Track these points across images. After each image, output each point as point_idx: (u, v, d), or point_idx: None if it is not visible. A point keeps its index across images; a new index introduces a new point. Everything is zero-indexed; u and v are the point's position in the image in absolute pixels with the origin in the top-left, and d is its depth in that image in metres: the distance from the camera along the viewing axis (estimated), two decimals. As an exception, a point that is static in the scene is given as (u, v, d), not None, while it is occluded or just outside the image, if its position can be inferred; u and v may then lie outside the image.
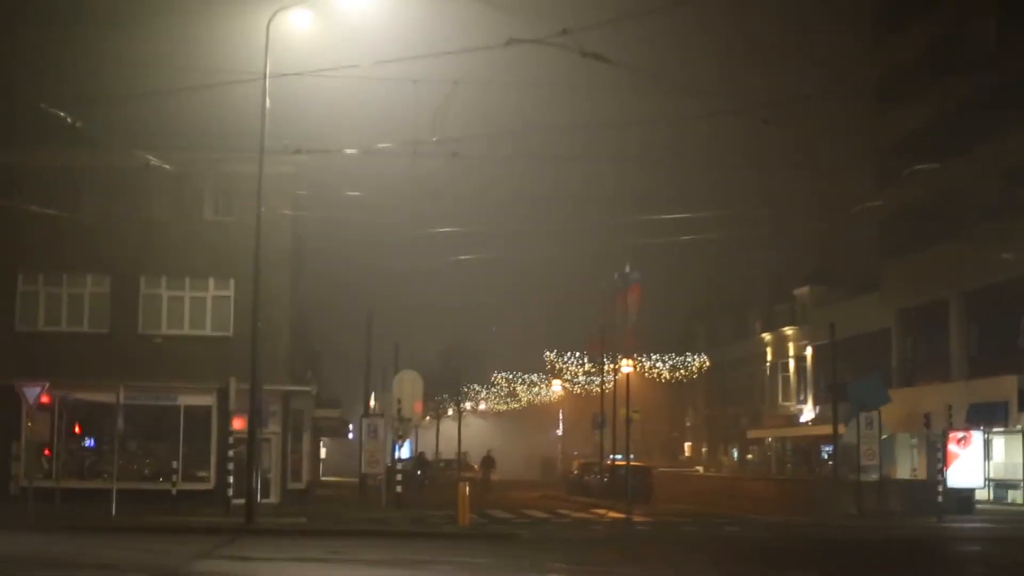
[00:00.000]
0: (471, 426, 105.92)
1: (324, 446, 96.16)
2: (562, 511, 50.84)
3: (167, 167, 37.90)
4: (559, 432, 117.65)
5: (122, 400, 43.37)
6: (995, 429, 55.35)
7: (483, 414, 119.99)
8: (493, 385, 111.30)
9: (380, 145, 30.94)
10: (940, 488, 47.76)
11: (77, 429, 46.98)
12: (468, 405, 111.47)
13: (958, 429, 50.80)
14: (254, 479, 36.45)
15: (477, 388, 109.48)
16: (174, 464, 44.51)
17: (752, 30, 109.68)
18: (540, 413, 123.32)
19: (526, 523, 41.59)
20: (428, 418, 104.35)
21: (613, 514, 47.77)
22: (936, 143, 57.43)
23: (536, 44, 21.84)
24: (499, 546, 30.58)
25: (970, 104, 56.34)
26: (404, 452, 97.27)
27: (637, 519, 44.56)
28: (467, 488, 38.08)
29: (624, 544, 33.77)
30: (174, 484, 42.96)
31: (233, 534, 32.23)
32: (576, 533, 37.96)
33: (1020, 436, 54.35)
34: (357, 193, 40.33)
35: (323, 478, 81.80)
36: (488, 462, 71.70)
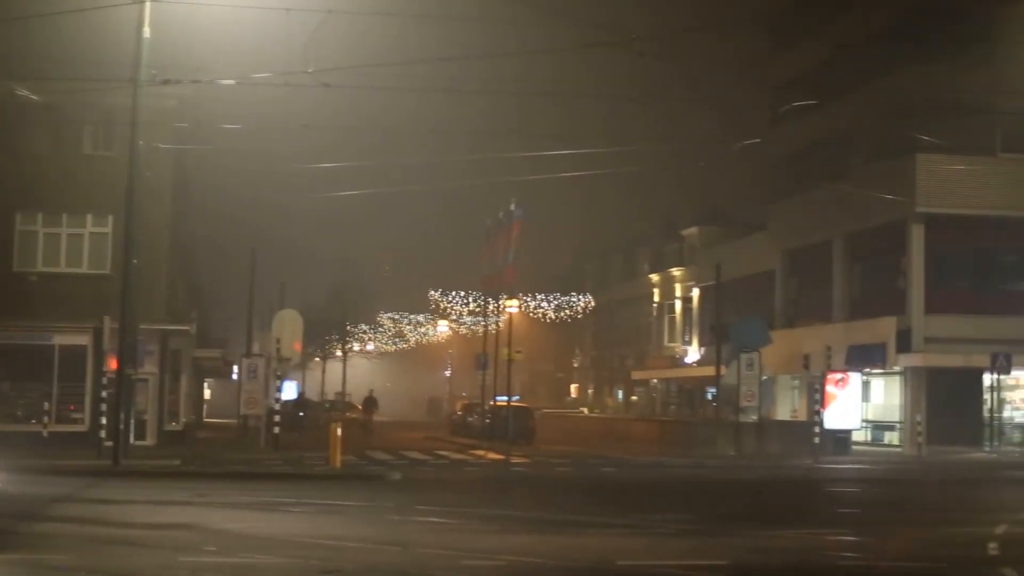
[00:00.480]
0: (358, 367, 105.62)
1: (208, 387, 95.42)
2: (442, 452, 50.68)
3: (36, 98, 36.75)
4: (448, 373, 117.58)
5: (-13, 338, 42.54)
6: (874, 371, 55.88)
7: (370, 355, 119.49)
8: (380, 326, 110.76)
9: (255, 75, 30.17)
10: (817, 429, 48.25)
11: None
12: (356, 346, 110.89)
13: (836, 370, 51.33)
14: (122, 420, 35.64)
15: (364, 328, 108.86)
16: (45, 405, 43.66)
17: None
18: (429, 354, 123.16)
19: (402, 464, 41.34)
20: (317, 359, 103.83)
21: (492, 455, 47.70)
22: (824, 82, 57.53)
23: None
24: (369, 488, 30.30)
25: (858, 43, 56.50)
26: (289, 393, 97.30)
27: (515, 460, 44.51)
28: (339, 429, 37.69)
29: (494, 486, 33.62)
30: (45, 426, 42.14)
31: (99, 476, 31.61)
32: (451, 474, 37.79)
33: (898, 378, 54.86)
34: (237, 126, 39.54)
35: (207, 420, 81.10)
36: (370, 403, 68.66)
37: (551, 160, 47.32)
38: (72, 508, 23.97)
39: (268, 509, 24.22)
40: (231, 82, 31.63)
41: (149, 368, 46.25)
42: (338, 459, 36.55)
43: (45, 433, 41.88)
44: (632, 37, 24.44)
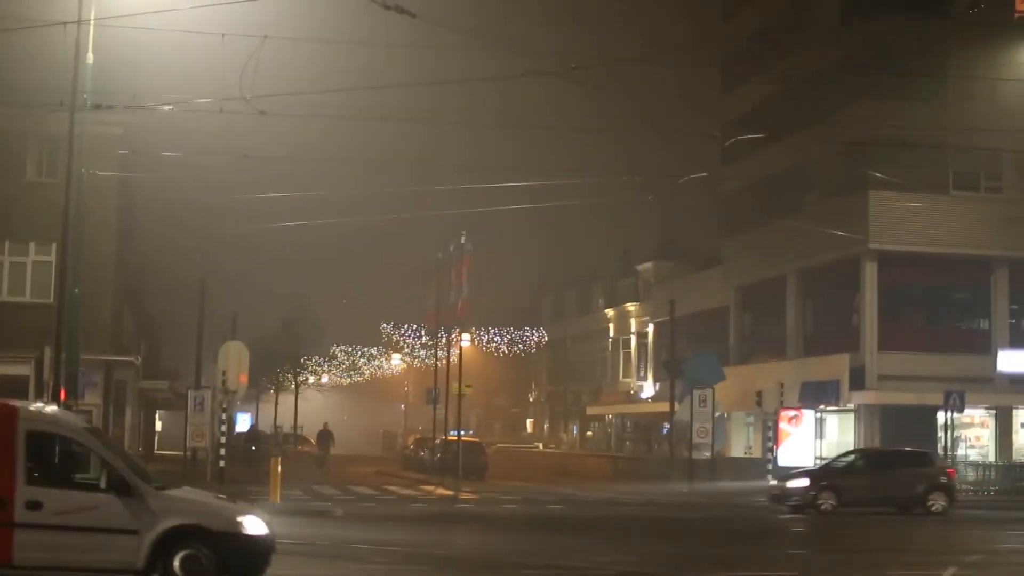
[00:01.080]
0: (312, 400, 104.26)
1: (160, 419, 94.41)
2: (391, 488, 50.01)
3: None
4: (403, 407, 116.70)
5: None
6: (828, 408, 55.53)
7: (323, 388, 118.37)
8: (333, 359, 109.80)
9: (195, 100, 29.53)
10: (770, 466, 47.85)
11: None
12: (311, 379, 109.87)
13: (790, 407, 50.98)
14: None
15: (318, 360, 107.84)
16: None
17: None
18: (383, 387, 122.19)
19: (349, 500, 40.69)
20: (271, 391, 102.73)
21: (442, 491, 47.08)
22: (777, 117, 57.34)
23: None
24: (307, 525, 29.55)
25: (811, 79, 56.32)
26: (243, 425, 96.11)
27: (464, 496, 43.90)
28: (279, 464, 37.01)
29: (437, 523, 32.89)
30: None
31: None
32: (395, 510, 37.05)
33: (852, 415, 54.50)
34: (177, 154, 38.89)
35: (159, 451, 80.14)
36: (325, 436, 66.34)
37: (502, 192, 46.81)
38: None
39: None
40: (169, 107, 30.93)
41: (92, 399, 45.47)
42: (278, 495, 35.83)
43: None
44: (572, 67, 23.96)
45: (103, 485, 17.51)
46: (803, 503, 38.37)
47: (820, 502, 38.23)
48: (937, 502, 38.90)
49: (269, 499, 35.75)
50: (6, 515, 16.91)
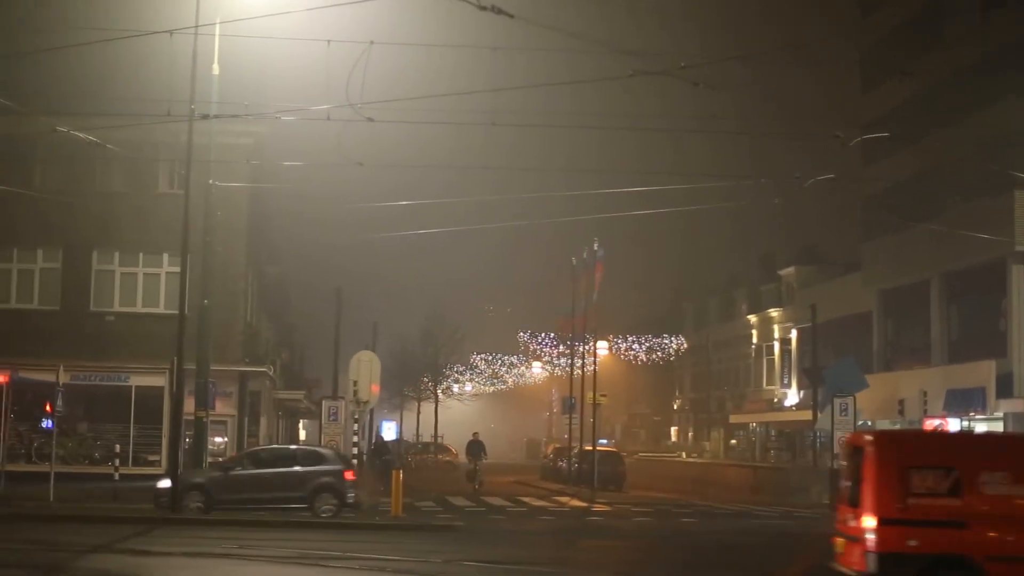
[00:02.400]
0: (454, 409, 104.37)
1: (303, 428, 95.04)
2: (525, 499, 49.44)
3: (83, 136, 35.79)
4: (548, 415, 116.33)
5: (65, 380, 42.20)
6: (975, 416, 53.83)
7: (465, 396, 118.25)
8: (474, 367, 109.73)
9: (314, 108, 29.13)
10: (914, 477, 46.33)
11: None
12: (455, 387, 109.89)
13: (934, 416, 49.46)
14: (178, 462, 34.96)
15: (460, 369, 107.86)
16: (117, 448, 43.08)
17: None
18: (527, 395, 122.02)
19: (478, 511, 40.20)
20: (418, 400, 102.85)
21: (576, 502, 46.50)
22: (917, 118, 55.85)
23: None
24: (426, 539, 29.06)
25: (951, 78, 54.77)
26: (389, 434, 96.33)
27: (597, 508, 43.29)
28: (400, 475, 36.62)
29: (560, 538, 31.92)
30: (116, 469, 41.57)
31: (152, 524, 30.77)
32: (521, 524, 36.20)
33: (1002, 423, 52.75)
34: (298, 163, 38.74)
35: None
36: (476, 447, 56.81)
37: (632, 197, 46.04)
38: (107, 560, 23.05)
39: (306, 564, 23.01)
40: (290, 117, 30.74)
41: (227, 410, 45.76)
42: (399, 506, 35.38)
43: (116, 476, 41.30)
44: (681, 65, 23.15)
45: None
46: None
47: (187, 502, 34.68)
48: (325, 504, 35.51)
49: (392, 512, 35.33)
50: None
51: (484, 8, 19.62)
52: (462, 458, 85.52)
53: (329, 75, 24.75)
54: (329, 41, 24.24)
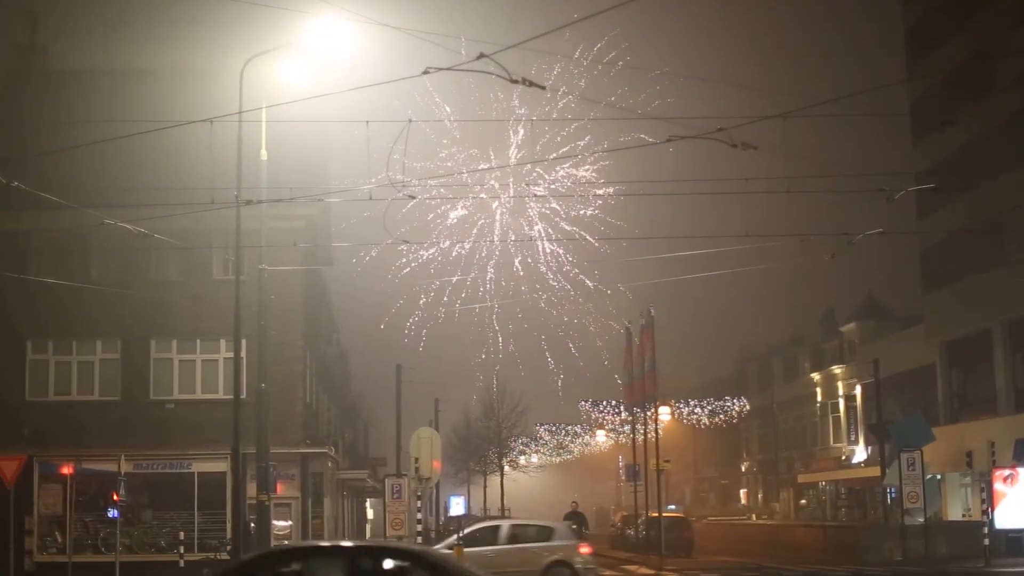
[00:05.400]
0: (520, 481, 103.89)
1: (371, 507, 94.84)
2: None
3: (131, 228, 36.01)
4: (618, 484, 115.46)
5: (127, 469, 42.59)
6: (1047, 465, 53.04)
7: (530, 468, 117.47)
8: (538, 439, 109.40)
9: (362, 187, 29.30)
10: (986, 530, 45.67)
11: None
12: (521, 459, 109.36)
13: (1003, 466, 48.72)
14: (240, 547, 34.90)
15: (525, 440, 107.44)
16: (181, 535, 43.13)
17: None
18: (594, 463, 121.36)
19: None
20: (484, 474, 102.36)
21: (644, 570, 46.00)
22: (971, 167, 55.49)
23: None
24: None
25: (1005, 125, 54.39)
26: (457, 509, 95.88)
27: (665, 574, 42.75)
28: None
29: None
30: (181, 556, 41.60)
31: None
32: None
33: (1073, 471, 51.88)
34: (345, 244, 38.80)
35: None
36: (576, 517, 50.23)
37: (681, 260, 45.96)
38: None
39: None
40: (336, 200, 30.85)
41: (290, 492, 45.72)
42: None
43: (182, 563, 41.30)
44: (718, 128, 23.00)
45: None
46: None
47: None
48: None
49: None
50: None
51: (515, 81, 19.72)
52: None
53: (370, 154, 24.87)
54: (368, 121, 24.35)
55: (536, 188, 43.09)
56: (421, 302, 57.13)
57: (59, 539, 44.56)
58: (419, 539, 44.74)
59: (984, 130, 55.82)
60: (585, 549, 34.97)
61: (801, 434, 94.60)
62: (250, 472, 38.30)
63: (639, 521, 59.61)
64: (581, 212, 53.60)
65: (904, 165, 64.12)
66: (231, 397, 43.45)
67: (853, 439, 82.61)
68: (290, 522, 46.20)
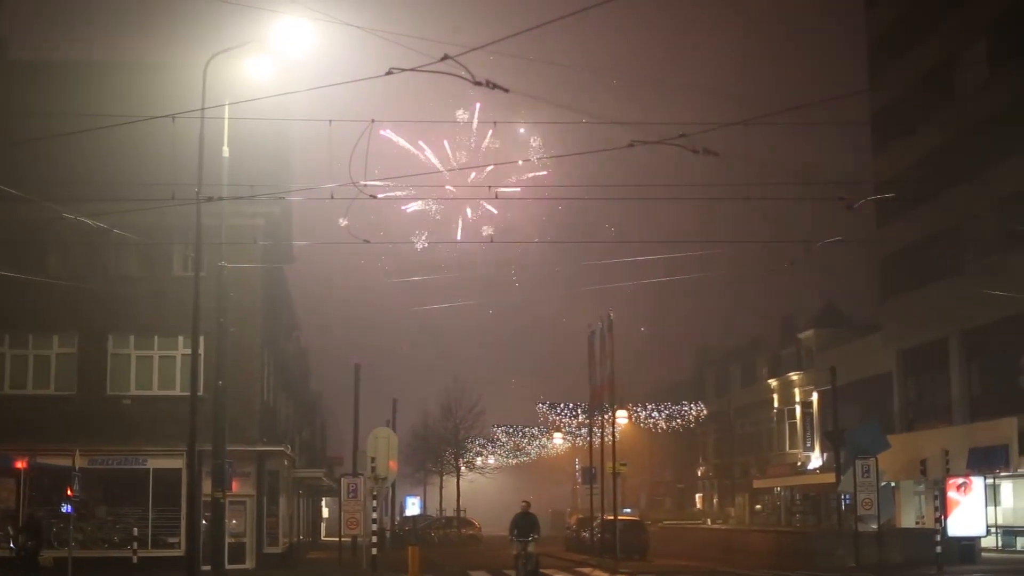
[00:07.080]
0: (476, 482, 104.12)
1: (327, 506, 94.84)
2: (546, 571, 48.95)
3: (91, 223, 35.84)
4: (574, 487, 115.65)
5: (82, 464, 42.36)
6: (1000, 473, 53.42)
7: (487, 469, 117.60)
8: (495, 440, 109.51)
9: (323, 186, 29.27)
10: (939, 537, 45.93)
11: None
12: (478, 460, 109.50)
13: (957, 475, 49.00)
14: (197, 543, 34.81)
15: (482, 442, 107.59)
16: (135, 531, 42.97)
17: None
18: (550, 466, 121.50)
19: (498, 585, 39.84)
20: (441, 475, 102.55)
21: (599, 573, 46.05)
22: (931, 177, 55.78)
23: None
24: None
25: (964, 135, 54.74)
26: (412, 510, 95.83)
27: (617, 578, 42.87)
28: (417, 552, 36.38)
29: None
30: (134, 552, 41.45)
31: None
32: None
33: (1026, 481, 52.40)
34: (305, 243, 38.75)
35: (325, 539, 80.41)
36: (526, 523, 39.05)
37: (639, 265, 46.27)
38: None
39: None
40: (297, 198, 30.83)
41: (246, 490, 45.57)
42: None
43: (135, 559, 41.14)
44: (679, 135, 23.10)
45: None
46: None
47: None
48: None
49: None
50: None
51: (479, 83, 19.78)
52: (486, 531, 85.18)
53: (332, 153, 24.86)
54: (331, 121, 24.33)
55: (499, 188, 43.04)
56: (381, 301, 57.21)
57: (11, 533, 44.20)
58: (374, 538, 44.64)
59: (944, 141, 56.14)
60: None
61: (757, 440, 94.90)
62: (205, 469, 38.18)
63: (594, 524, 59.64)
64: (542, 217, 53.65)
65: (865, 174, 64.48)
66: (188, 394, 43.36)
67: (809, 445, 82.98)
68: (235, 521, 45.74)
